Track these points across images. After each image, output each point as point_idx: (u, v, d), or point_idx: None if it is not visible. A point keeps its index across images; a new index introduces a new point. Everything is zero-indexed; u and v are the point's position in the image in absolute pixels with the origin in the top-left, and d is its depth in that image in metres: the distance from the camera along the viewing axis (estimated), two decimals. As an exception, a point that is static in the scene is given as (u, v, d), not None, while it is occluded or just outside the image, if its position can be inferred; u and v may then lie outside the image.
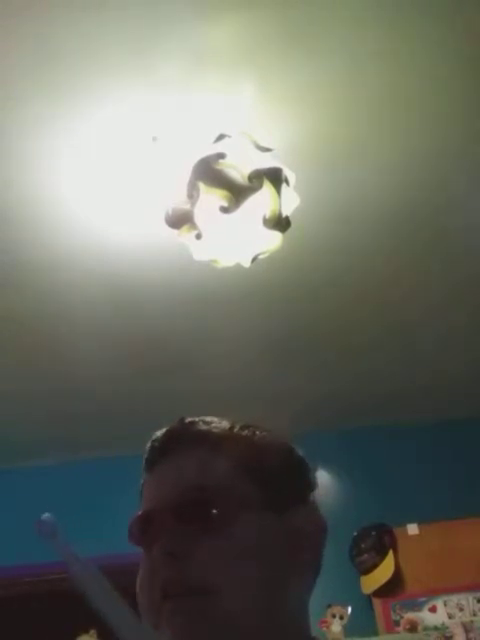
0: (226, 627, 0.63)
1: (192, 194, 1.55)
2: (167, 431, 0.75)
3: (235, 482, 0.70)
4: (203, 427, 0.74)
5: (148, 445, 0.75)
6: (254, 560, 0.66)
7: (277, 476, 0.72)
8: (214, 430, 0.74)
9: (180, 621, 0.63)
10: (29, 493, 3.07)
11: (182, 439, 0.73)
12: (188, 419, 0.75)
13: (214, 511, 0.67)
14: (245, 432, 0.75)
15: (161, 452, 0.73)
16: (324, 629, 2.64)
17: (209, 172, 1.54)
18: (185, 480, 0.70)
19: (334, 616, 2.70)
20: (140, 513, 0.71)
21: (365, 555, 2.83)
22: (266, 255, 1.71)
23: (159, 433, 0.75)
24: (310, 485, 0.77)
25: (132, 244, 2.06)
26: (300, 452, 0.78)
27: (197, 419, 0.75)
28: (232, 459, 0.71)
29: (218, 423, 0.75)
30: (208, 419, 0.75)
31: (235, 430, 0.75)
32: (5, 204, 1.89)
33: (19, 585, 3.05)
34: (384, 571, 2.79)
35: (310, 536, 0.71)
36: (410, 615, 2.75)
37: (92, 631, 3.39)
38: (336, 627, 2.66)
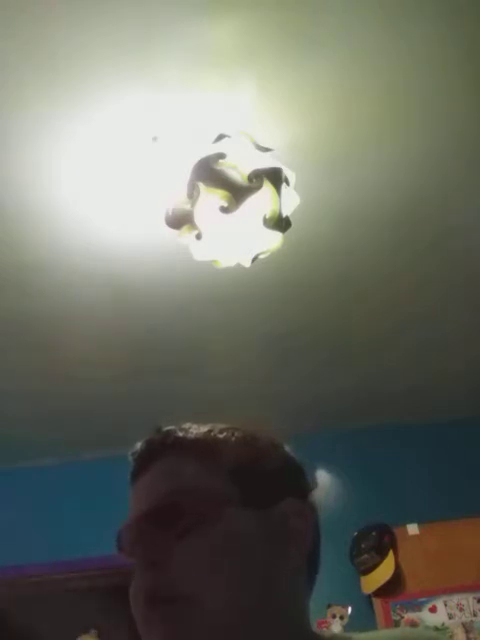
0: (211, 629, 0.63)
1: (192, 194, 1.55)
2: (144, 443, 0.75)
3: (209, 483, 0.70)
4: (179, 434, 0.74)
5: (130, 458, 0.75)
6: (233, 560, 0.66)
7: (257, 474, 0.72)
8: (189, 436, 0.74)
9: (165, 628, 0.63)
10: (29, 493, 3.07)
11: (158, 449, 0.74)
12: (165, 428, 0.76)
13: (187, 514, 0.67)
14: (223, 434, 0.75)
15: (141, 464, 0.74)
16: (324, 629, 2.64)
17: (209, 172, 1.54)
18: (158, 487, 0.70)
19: (334, 616, 2.71)
20: (122, 525, 0.72)
21: (365, 555, 2.83)
22: (266, 255, 1.71)
23: (137, 446, 0.76)
24: (298, 482, 0.76)
25: (132, 244, 2.06)
26: (288, 450, 0.78)
27: (174, 427, 0.75)
28: (206, 460, 0.71)
29: (196, 428, 0.75)
30: (186, 426, 0.75)
31: (213, 433, 0.75)
32: (5, 204, 1.89)
33: (19, 585, 3.05)
34: (384, 571, 2.79)
35: (296, 533, 0.71)
36: (410, 615, 2.75)
37: (92, 631, 3.40)
38: (336, 627, 2.66)
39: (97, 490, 3.00)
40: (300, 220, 1.74)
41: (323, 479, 2.94)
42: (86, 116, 1.67)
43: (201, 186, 1.53)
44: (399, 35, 1.58)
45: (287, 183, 1.61)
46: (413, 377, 2.93)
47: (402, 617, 2.75)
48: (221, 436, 0.74)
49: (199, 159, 1.55)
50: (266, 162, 1.58)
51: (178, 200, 1.60)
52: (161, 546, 0.66)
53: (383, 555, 2.83)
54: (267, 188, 1.55)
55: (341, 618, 2.71)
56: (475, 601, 2.76)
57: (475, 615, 2.74)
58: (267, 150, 1.60)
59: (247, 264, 1.72)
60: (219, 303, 2.33)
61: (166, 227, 1.65)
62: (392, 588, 2.78)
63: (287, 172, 1.61)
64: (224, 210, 1.53)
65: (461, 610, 2.76)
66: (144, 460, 0.74)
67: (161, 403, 2.75)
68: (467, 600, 2.77)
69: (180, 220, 1.62)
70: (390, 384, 2.96)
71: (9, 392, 2.72)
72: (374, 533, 2.87)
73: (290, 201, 1.63)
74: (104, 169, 1.81)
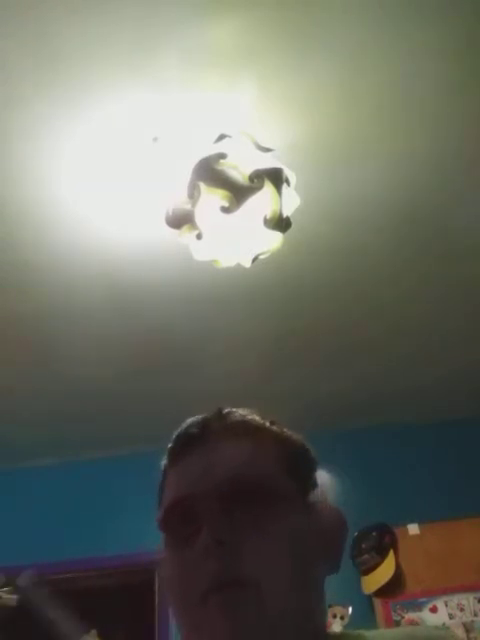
0: (268, 619, 0.61)
1: (193, 194, 1.55)
2: (204, 419, 0.73)
3: (278, 475, 0.69)
4: (240, 418, 0.73)
5: (182, 431, 0.72)
6: (295, 552, 0.65)
7: (305, 472, 0.73)
8: (252, 423, 0.73)
9: (230, 614, 0.60)
10: (29, 493, 3.07)
11: (222, 428, 0.72)
12: (225, 410, 0.74)
13: (266, 502, 0.65)
14: (275, 427, 0.75)
15: (199, 439, 0.71)
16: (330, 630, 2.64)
17: (210, 172, 1.54)
18: (234, 468, 0.67)
19: (335, 616, 2.70)
20: (179, 496, 0.67)
21: (366, 555, 2.83)
22: (266, 255, 1.71)
23: (194, 420, 0.73)
24: (317, 482, 0.77)
25: (132, 244, 2.06)
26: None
27: (234, 410, 0.75)
28: (272, 452, 0.71)
29: (251, 416, 0.75)
30: (242, 411, 0.75)
31: (267, 424, 0.75)
32: (5, 203, 1.89)
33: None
34: (385, 571, 2.79)
35: (333, 531, 0.71)
36: (411, 615, 2.75)
37: (92, 631, 3.39)
38: (337, 627, 2.66)
39: (97, 490, 3.01)
40: (300, 220, 1.74)
41: (323, 479, 2.93)
42: (86, 116, 1.67)
43: (202, 186, 1.53)
44: (399, 35, 1.58)
45: (288, 183, 1.61)
46: (413, 377, 2.93)
47: (403, 617, 2.75)
48: (274, 428, 0.74)
49: (200, 159, 1.55)
50: (267, 162, 1.58)
51: (178, 200, 1.60)
52: (234, 527, 0.63)
53: (383, 555, 2.82)
54: (268, 188, 1.55)
55: (342, 618, 2.71)
56: (476, 601, 2.76)
57: (476, 615, 2.74)
58: (268, 150, 1.60)
59: (247, 264, 1.72)
60: (219, 303, 2.33)
61: (166, 227, 1.65)
62: (393, 588, 2.78)
63: (288, 172, 1.61)
64: (225, 210, 1.53)
65: (462, 610, 2.75)
66: (202, 437, 0.71)
67: (161, 403, 2.76)
68: (468, 600, 2.77)
69: (180, 220, 1.62)
70: (390, 384, 2.96)
71: (9, 392, 2.72)
72: (374, 533, 2.86)
73: (290, 201, 1.63)
74: (104, 169, 1.81)
